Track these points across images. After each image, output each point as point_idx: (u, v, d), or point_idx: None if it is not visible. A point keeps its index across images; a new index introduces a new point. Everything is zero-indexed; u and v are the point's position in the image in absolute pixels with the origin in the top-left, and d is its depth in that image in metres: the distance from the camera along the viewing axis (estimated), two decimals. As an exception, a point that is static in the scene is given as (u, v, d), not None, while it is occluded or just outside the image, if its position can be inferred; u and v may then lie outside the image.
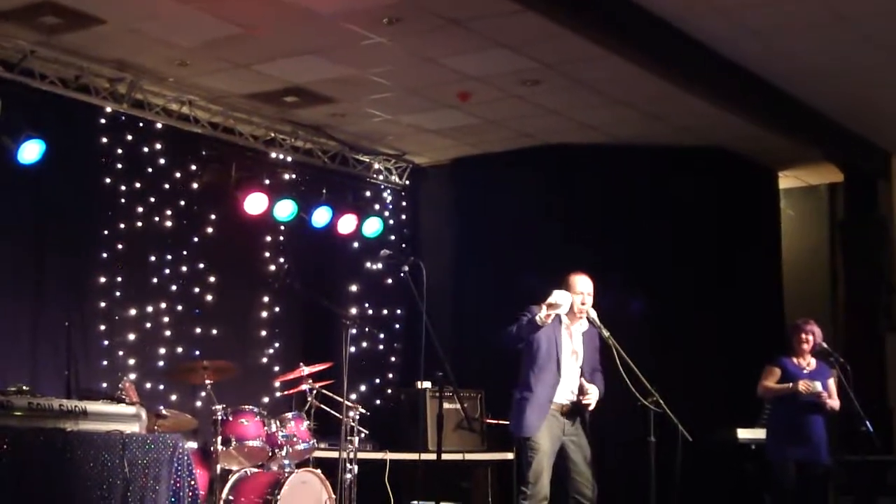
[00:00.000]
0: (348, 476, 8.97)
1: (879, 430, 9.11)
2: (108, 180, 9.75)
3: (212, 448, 8.37)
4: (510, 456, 10.16)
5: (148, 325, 9.92)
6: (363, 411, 9.22)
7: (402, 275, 7.30)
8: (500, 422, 10.31)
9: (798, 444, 8.65)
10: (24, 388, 5.86)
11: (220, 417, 8.39)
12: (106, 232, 9.69)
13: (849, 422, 8.88)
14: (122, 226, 9.81)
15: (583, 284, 7.50)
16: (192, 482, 5.86)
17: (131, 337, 9.76)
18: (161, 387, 9.74)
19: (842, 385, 8.67)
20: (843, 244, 12.13)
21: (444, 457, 8.73)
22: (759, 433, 9.77)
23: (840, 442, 9.50)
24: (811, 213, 12.97)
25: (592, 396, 7.43)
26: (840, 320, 12.00)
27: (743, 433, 10.16)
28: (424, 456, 9.05)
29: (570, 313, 7.46)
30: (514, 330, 7.33)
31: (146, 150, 10.04)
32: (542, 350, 7.42)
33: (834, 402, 8.69)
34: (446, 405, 8.87)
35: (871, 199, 11.85)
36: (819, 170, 12.29)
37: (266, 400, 10.22)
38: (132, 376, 9.37)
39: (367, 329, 11.07)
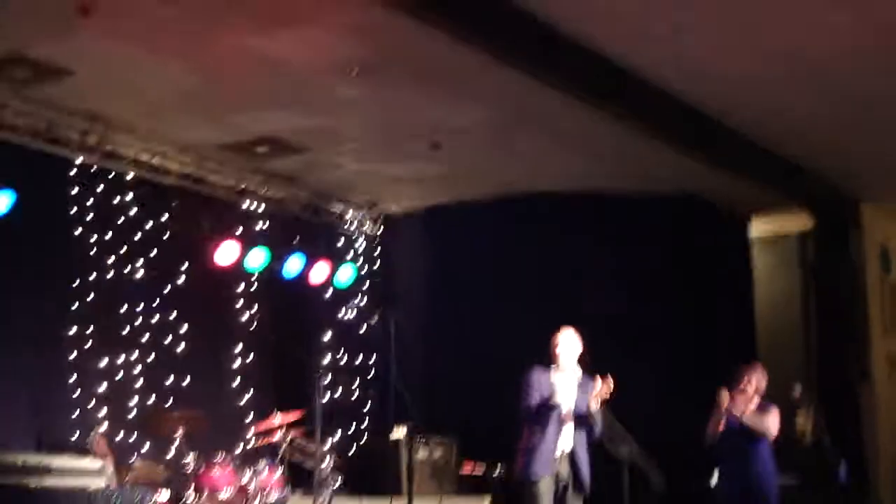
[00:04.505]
0: (324, 526, 8.89)
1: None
2: (78, 231, 9.71)
3: (184, 499, 8.30)
4: (486, 502, 10.12)
5: (119, 375, 9.83)
6: (337, 459, 9.17)
7: (366, 329, 7.32)
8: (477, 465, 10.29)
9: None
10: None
11: (191, 468, 8.34)
12: (77, 283, 9.64)
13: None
14: (94, 277, 9.76)
15: (562, 339, 7.83)
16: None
17: (103, 388, 9.67)
18: (133, 437, 9.64)
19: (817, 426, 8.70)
20: (816, 291, 12.15)
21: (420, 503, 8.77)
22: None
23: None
24: (783, 261, 12.99)
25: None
26: (813, 368, 12.00)
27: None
28: (395, 502, 8.99)
29: (557, 365, 7.77)
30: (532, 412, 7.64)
31: (117, 200, 10.02)
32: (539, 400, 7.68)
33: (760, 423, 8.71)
34: (420, 452, 8.90)
35: (843, 246, 11.89)
36: (790, 218, 12.32)
37: (239, 450, 10.14)
38: (104, 427, 9.29)
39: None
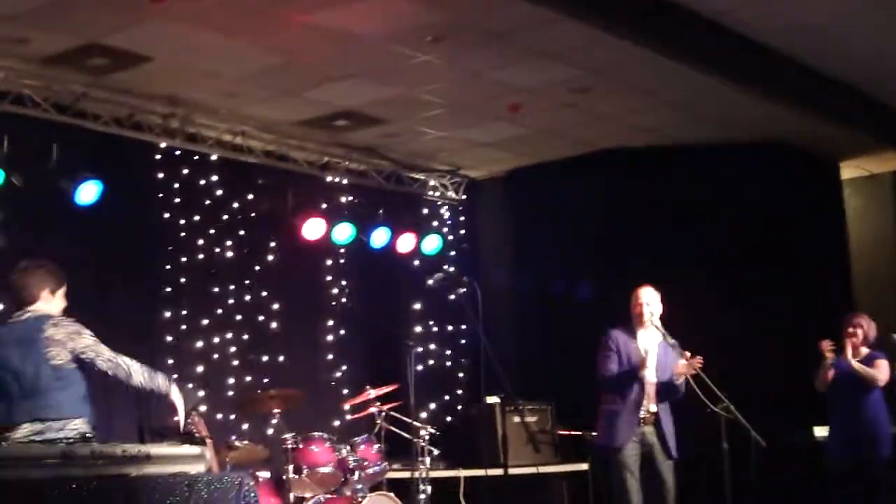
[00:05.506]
0: (422, 496, 8.94)
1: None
2: (166, 215, 9.84)
3: (284, 477, 8.38)
4: (585, 467, 10.09)
5: (215, 356, 9.97)
6: (433, 430, 9.19)
7: (455, 297, 7.31)
8: (573, 433, 10.24)
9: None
10: (88, 434, 5.90)
11: (290, 446, 8.40)
12: (168, 267, 9.78)
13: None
14: (184, 259, 9.89)
15: (645, 296, 7.62)
16: (261, 518, 5.88)
17: (199, 369, 9.82)
18: (232, 417, 9.79)
19: None
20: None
21: (518, 471, 8.77)
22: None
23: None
24: (876, 202, 12.75)
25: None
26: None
27: (820, 431, 9.96)
28: (492, 471, 8.97)
29: (639, 323, 7.60)
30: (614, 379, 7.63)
31: (202, 182, 10.11)
32: (622, 361, 7.70)
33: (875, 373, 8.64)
34: (515, 419, 8.89)
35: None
36: (881, 159, 12.08)
37: (336, 424, 10.24)
38: (202, 409, 9.42)
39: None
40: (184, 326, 9.80)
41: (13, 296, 6.41)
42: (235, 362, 10.09)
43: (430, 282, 7.96)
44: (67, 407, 6.10)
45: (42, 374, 6.05)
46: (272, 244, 10.55)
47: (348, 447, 8.69)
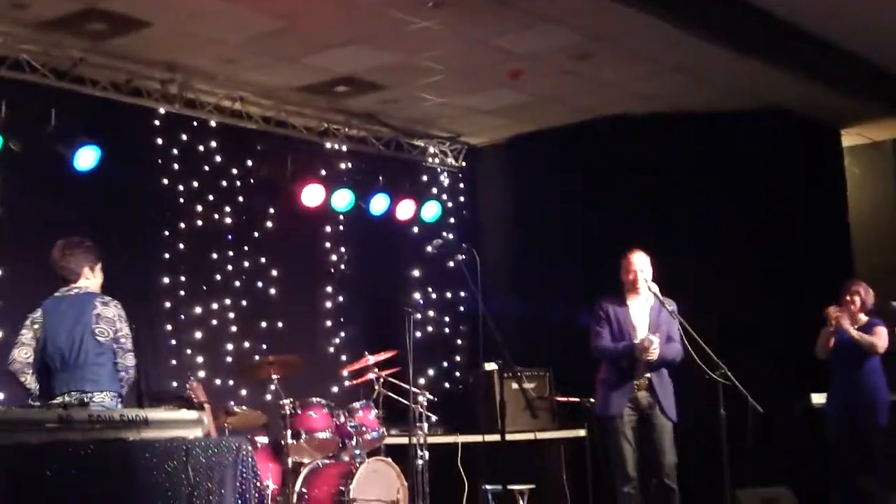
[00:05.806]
0: (420, 462, 8.96)
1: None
2: (165, 181, 9.81)
3: (282, 442, 8.41)
4: (582, 433, 10.11)
5: (214, 322, 9.98)
6: (430, 397, 9.21)
7: (454, 263, 7.33)
8: (570, 399, 10.25)
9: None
10: (86, 398, 5.95)
11: (288, 411, 8.43)
12: (167, 233, 9.77)
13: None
14: (183, 225, 9.88)
15: (637, 261, 7.65)
16: (258, 483, 5.88)
17: (198, 335, 9.83)
18: (230, 383, 9.81)
19: None
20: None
21: (515, 437, 8.80)
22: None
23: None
24: (876, 170, 12.73)
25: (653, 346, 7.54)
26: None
27: (818, 398, 9.99)
28: (490, 437, 9.00)
29: (631, 290, 7.62)
30: (611, 352, 7.73)
31: (201, 148, 10.09)
32: (614, 331, 7.76)
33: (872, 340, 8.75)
34: (513, 385, 8.93)
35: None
36: (882, 125, 12.04)
37: (335, 390, 10.26)
38: (201, 374, 9.46)
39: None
40: (182, 292, 9.79)
41: (55, 274, 6.54)
42: (234, 328, 10.09)
43: (430, 249, 7.98)
44: (104, 381, 6.38)
45: (84, 349, 6.35)
46: (271, 210, 10.54)
47: (346, 413, 8.73)
